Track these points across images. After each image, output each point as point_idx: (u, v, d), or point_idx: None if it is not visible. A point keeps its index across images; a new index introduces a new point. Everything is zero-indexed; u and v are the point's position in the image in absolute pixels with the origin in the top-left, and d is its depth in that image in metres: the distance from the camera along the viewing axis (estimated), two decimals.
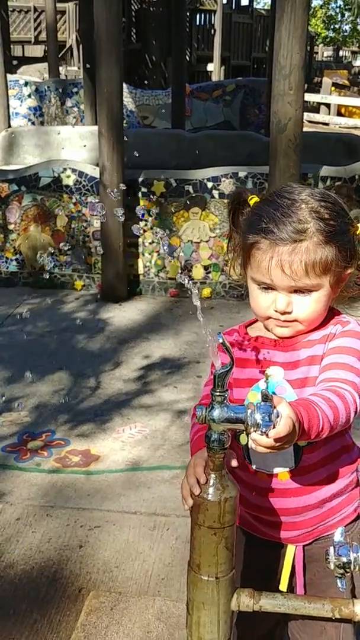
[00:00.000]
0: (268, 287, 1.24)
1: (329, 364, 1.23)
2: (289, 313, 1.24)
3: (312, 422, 1.06)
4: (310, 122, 15.83)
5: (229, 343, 1.32)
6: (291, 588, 1.33)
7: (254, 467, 1.30)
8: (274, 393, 1.23)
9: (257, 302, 1.27)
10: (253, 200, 1.32)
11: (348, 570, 1.01)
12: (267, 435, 0.95)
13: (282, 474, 1.29)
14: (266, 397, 0.99)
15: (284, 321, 1.25)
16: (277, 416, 0.97)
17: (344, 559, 1.00)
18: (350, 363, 1.21)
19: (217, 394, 0.99)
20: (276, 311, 1.24)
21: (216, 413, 0.99)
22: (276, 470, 1.29)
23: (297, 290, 1.23)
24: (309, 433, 1.06)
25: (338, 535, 1.03)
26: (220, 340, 0.98)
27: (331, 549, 1.03)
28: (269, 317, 1.27)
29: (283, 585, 1.32)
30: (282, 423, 0.97)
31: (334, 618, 1.05)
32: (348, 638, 1.38)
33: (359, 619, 1.05)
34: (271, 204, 1.24)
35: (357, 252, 1.27)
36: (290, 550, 1.33)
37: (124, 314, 4.94)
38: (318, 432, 1.08)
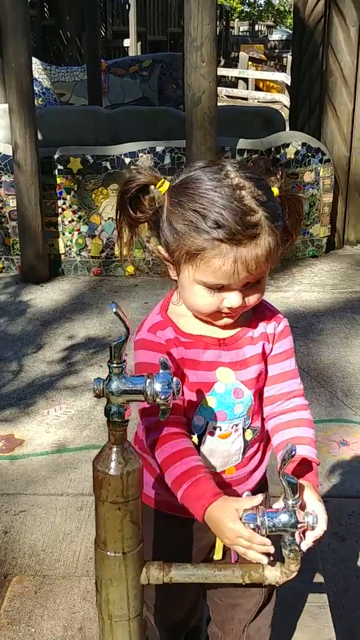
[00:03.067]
0: (220, 287, 1.14)
1: (283, 374, 1.29)
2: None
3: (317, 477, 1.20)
4: (229, 97, 15.86)
5: (165, 340, 1.23)
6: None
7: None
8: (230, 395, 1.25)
9: (204, 302, 1.16)
10: (165, 186, 1.17)
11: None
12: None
13: (229, 469, 1.30)
14: (165, 366, 0.98)
15: (235, 313, 1.19)
16: (177, 384, 0.96)
17: (252, 525, 1.01)
18: (295, 367, 1.31)
19: (115, 365, 0.96)
20: (230, 308, 1.16)
21: (114, 385, 0.96)
22: (225, 467, 1.30)
23: (248, 282, 1.16)
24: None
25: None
26: (114, 310, 0.95)
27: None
28: (215, 312, 1.19)
29: (218, 555, 1.32)
30: (321, 523, 1.07)
31: (244, 584, 1.05)
32: (271, 594, 1.41)
33: (268, 583, 1.05)
34: (209, 194, 1.09)
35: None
36: None
37: (46, 295, 4.84)
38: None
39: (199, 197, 1.10)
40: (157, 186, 1.17)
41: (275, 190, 1.17)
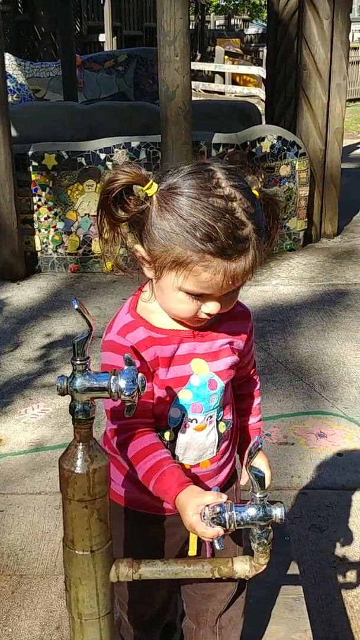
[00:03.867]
0: (200, 295, 1.14)
1: (248, 362, 1.39)
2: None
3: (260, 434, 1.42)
4: (206, 91, 15.83)
5: (136, 344, 1.21)
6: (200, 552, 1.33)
7: (182, 462, 1.30)
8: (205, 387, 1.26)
9: (183, 307, 1.16)
10: (153, 189, 1.12)
11: (225, 529, 1.02)
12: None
13: (203, 462, 1.31)
14: (130, 362, 0.97)
15: (210, 317, 1.20)
16: (142, 381, 0.96)
17: (218, 520, 1.01)
18: (253, 350, 1.41)
19: (78, 362, 0.95)
20: (207, 314, 1.17)
21: (78, 383, 0.95)
22: (200, 460, 1.31)
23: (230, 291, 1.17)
24: None
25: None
26: (76, 307, 0.95)
27: (206, 510, 1.03)
28: (192, 317, 1.19)
29: (192, 551, 1.32)
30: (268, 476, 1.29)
31: (213, 578, 1.05)
32: (242, 583, 1.42)
33: (238, 577, 1.05)
34: (200, 204, 1.07)
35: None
36: None
37: (23, 293, 4.81)
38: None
39: (189, 207, 1.08)
40: (145, 188, 1.12)
41: (256, 193, 1.16)
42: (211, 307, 1.16)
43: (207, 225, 1.06)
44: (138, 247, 1.17)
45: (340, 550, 2.34)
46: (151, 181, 1.13)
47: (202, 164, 1.14)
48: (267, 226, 1.18)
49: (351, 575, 2.23)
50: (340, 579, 2.21)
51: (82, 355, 0.95)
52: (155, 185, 1.12)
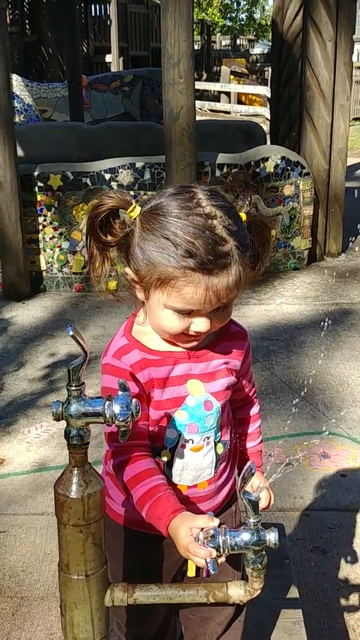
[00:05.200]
0: (189, 312, 1.16)
1: (246, 383, 1.40)
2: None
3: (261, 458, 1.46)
4: (212, 111, 15.97)
5: (130, 365, 1.22)
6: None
7: (179, 483, 1.31)
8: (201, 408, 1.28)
9: (172, 325, 1.18)
10: (136, 211, 1.16)
11: (219, 553, 1.02)
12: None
13: (201, 483, 1.32)
14: (124, 388, 0.98)
15: (201, 336, 1.21)
16: (136, 406, 0.97)
17: (212, 544, 1.01)
18: (251, 370, 1.43)
19: (73, 388, 0.97)
20: (197, 332, 1.18)
21: (73, 408, 0.97)
22: (197, 481, 1.31)
23: (217, 308, 1.18)
24: None
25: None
26: (71, 333, 0.96)
27: (200, 534, 1.04)
28: (182, 335, 1.20)
29: (191, 572, 1.32)
30: (264, 498, 1.35)
31: (208, 603, 1.05)
32: (241, 607, 1.42)
33: (233, 601, 1.05)
34: (180, 222, 1.10)
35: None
36: None
37: (28, 312, 4.83)
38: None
39: (170, 225, 1.11)
40: (128, 211, 1.16)
41: (243, 216, 1.18)
42: (200, 325, 1.17)
43: (188, 242, 1.09)
44: (127, 269, 1.20)
45: (343, 573, 2.32)
46: (134, 204, 1.16)
47: (185, 186, 1.18)
48: (255, 247, 1.20)
49: (354, 598, 2.22)
50: (342, 602, 2.20)
51: (77, 380, 0.97)
52: (138, 208, 1.16)
